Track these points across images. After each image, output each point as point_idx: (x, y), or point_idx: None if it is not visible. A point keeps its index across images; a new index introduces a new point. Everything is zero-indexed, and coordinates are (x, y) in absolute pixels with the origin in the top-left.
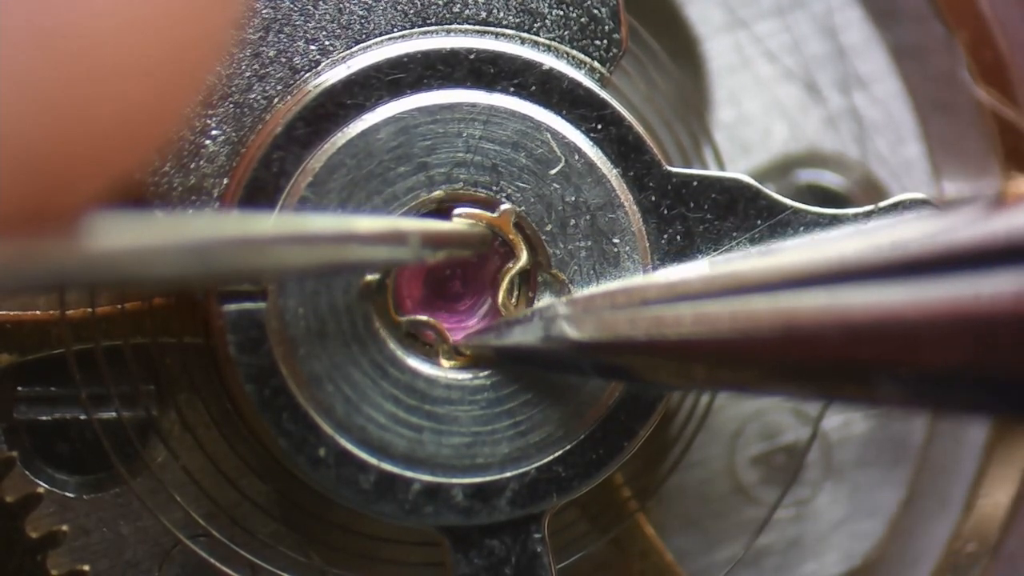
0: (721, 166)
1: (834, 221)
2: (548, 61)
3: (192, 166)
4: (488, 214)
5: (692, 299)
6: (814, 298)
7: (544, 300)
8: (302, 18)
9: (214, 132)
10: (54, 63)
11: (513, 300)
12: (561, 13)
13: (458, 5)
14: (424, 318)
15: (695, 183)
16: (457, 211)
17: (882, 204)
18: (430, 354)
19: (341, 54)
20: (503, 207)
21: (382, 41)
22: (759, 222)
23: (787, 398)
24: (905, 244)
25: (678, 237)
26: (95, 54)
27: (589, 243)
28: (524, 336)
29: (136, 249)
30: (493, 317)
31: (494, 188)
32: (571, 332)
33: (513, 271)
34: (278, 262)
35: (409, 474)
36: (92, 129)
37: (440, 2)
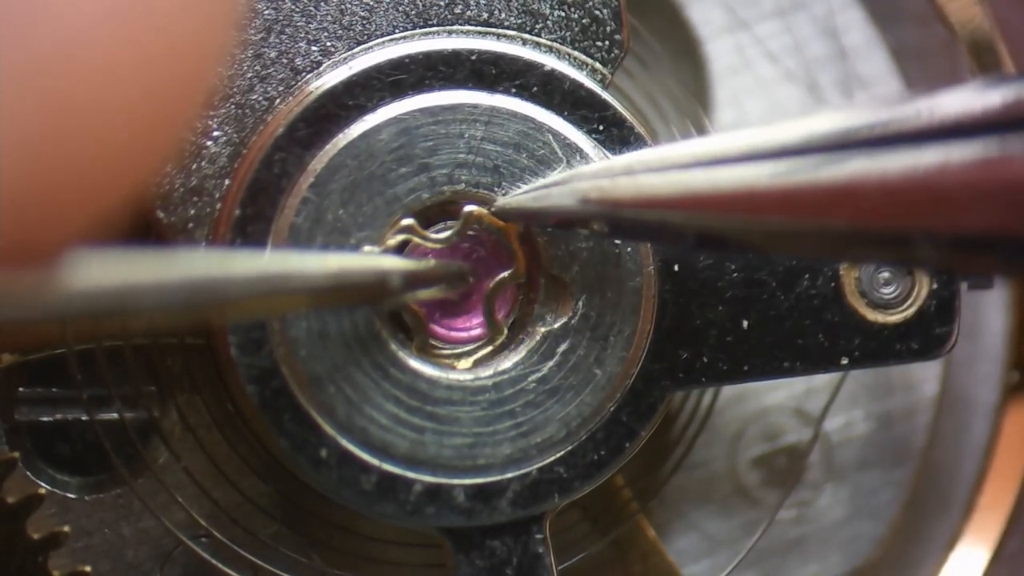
0: None
1: None
2: (550, 62)
3: (194, 167)
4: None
5: (728, 163)
6: (853, 163)
7: (545, 301)
8: (304, 19)
9: (216, 133)
10: (37, 100)
11: (510, 310)
12: (563, 14)
13: (460, 6)
14: (407, 300)
15: None
16: (467, 208)
17: None
18: (432, 356)
19: (343, 55)
20: None
21: (384, 42)
22: None
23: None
24: (940, 108)
25: None
26: (79, 91)
27: (590, 244)
28: (561, 200)
29: (118, 288)
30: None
31: (496, 189)
32: (604, 193)
33: (506, 279)
34: (261, 302)
35: (411, 475)
36: (77, 166)
37: (442, 3)
